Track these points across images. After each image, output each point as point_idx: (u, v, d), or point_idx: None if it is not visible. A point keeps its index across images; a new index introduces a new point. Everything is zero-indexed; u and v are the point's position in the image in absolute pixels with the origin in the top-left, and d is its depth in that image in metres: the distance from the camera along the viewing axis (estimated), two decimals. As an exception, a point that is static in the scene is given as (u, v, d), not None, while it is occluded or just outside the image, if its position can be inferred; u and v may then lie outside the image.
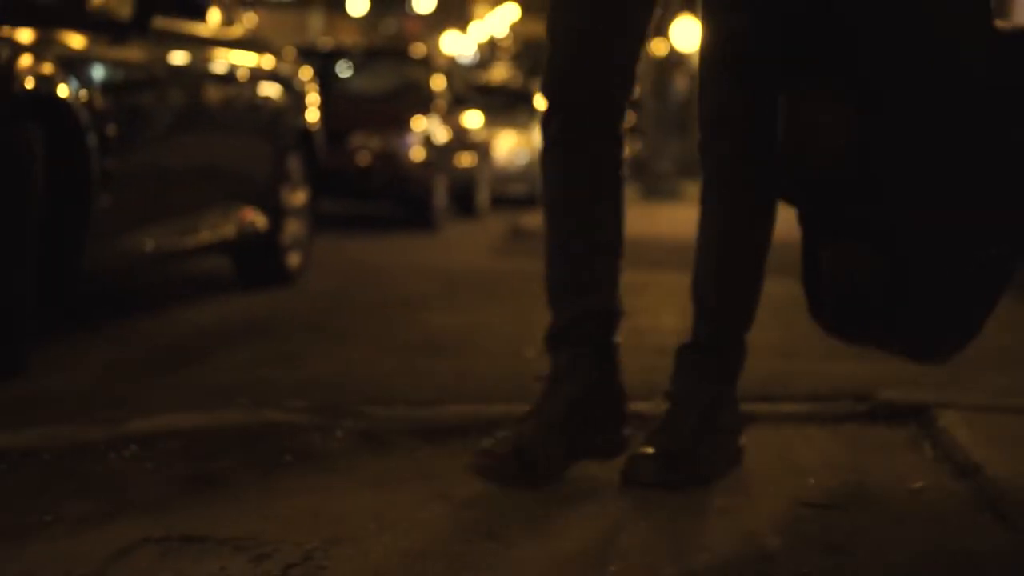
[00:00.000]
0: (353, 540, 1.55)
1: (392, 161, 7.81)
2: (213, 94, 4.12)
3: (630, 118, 1.93)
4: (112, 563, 1.44)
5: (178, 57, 3.82)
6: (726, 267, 1.94)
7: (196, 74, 3.99)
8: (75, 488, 1.77)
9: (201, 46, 4.06)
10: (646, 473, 1.83)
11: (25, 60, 2.86)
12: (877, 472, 2.00)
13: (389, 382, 2.81)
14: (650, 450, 1.86)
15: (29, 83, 2.87)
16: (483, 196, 9.95)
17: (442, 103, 8.62)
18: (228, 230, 4.15)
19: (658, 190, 14.43)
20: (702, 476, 1.85)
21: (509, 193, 11.28)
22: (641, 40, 1.88)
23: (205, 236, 3.96)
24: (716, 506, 1.76)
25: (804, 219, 1.89)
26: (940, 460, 2.06)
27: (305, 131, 4.95)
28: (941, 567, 1.51)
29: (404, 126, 7.90)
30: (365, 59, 9.65)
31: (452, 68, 11.12)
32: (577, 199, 1.89)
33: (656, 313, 3.99)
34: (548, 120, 1.89)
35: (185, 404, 2.40)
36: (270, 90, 4.60)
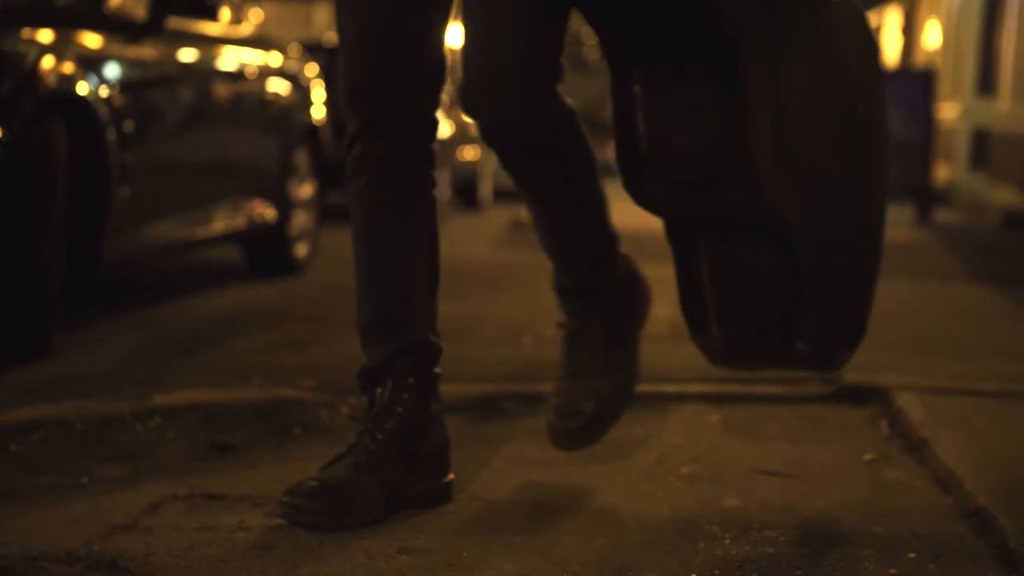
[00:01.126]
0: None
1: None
2: (223, 91, 4.30)
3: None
4: (144, 515, 1.63)
5: (190, 55, 4.01)
6: (568, 232, 1.84)
7: (207, 72, 4.17)
8: (107, 454, 1.97)
9: (212, 45, 4.25)
10: (567, 437, 1.79)
11: (48, 60, 3.05)
12: (835, 446, 2.19)
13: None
14: (561, 405, 1.81)
15: (52, 82, 3.05)
16: (485, 189, 10.12)
17: (445, 97, 8.78)
18: (239, 221, 4.34)
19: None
20: (614, 406, 1.82)
21: (511, 186, 11.43)
22: (442, 44, 1.74)
23: (217, 227, 4.15)
24: (683, 473, 1.96)
25: (675, 229, 1.75)
26: (894, 436, 2.25)
27: (311, 126, 5.14)
28: (877, 525, 1.70)
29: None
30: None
31: (455, 62, 11.26)
32: (387, 227, 1.73)
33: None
34: (351, 142, 1.73)
35: (203, 382, 2.59)
36: (278, 86, 4.78)
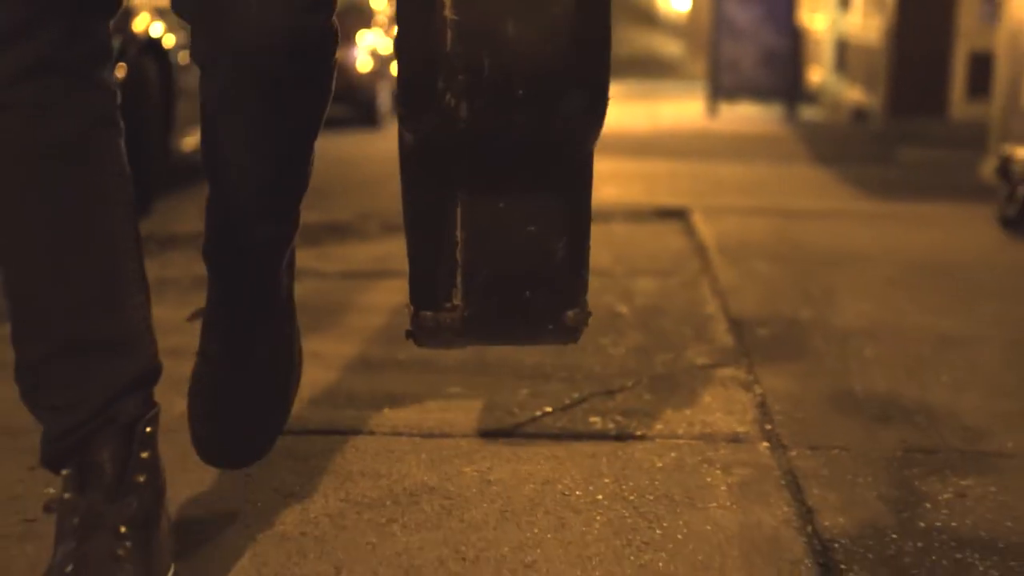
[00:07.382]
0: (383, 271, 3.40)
1: (342, 71, 9.33)
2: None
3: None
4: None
5: None
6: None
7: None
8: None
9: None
10: None
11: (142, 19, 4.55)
12: (650, 232, 3.91)
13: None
14: None
15: (143, 33, 4.56)
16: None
17: (383, 18, 10.16)
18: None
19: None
20: None
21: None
22: None
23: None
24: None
25: (433, 165, 1.32)
26: (685, 232, 3.97)
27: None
28: (652, 252, 3.41)
29: (350, 40, 9.45)
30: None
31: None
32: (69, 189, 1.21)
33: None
34: None
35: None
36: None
